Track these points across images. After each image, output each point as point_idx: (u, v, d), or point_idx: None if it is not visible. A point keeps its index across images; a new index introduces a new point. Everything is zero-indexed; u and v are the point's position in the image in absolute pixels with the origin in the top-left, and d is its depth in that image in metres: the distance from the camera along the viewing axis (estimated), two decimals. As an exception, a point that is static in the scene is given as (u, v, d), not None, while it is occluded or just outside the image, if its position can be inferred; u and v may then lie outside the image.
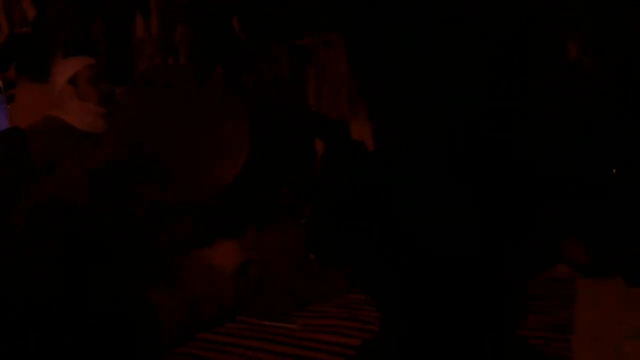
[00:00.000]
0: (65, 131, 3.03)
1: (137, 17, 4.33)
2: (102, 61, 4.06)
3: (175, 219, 2.67)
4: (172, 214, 2.67)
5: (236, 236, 2.76)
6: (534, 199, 1.72)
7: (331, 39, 2.96)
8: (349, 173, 1.79)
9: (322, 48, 3.26)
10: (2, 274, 1.70)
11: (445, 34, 1.65)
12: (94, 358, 1.67)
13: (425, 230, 1.61)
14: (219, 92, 3.19)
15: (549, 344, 2.16)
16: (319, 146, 3.10)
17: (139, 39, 4.33)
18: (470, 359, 1.63)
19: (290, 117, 3.00)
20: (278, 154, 2.83)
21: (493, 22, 1.76)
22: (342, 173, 1.77)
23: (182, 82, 3.24)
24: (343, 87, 3.12)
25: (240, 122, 2.87)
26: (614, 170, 2.13)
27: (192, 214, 2.73)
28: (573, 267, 2.36)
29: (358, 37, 1.72)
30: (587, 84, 2.19)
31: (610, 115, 2.09)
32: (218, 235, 2.72)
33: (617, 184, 2.13)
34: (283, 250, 2.74)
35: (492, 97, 1.67)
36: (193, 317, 2.42)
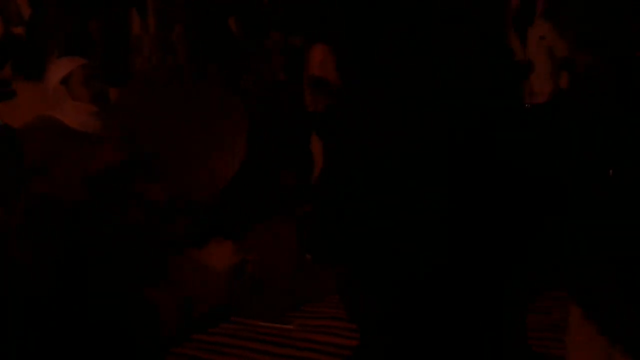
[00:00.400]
0: (61, 130, 3.03)
1: (134, 17, 4.33)
2: (98, 60, 4.05)
3: (173, 219, 2.67)
4: (169, 214, 2.66)
5: (233, 236, 2.75)
6: (534, 200, 1.72)
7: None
8: (348, 173, 1.78)
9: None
10: (0, 274, 1.70)
11: (445, 34, 1.65)
12: (93, 358, 1.66)
13: (422, 232, 1.60)
14: (218, 92, 3.19)
15: (547, 344, 2.17)
16: (318, 145, 3.10)
17: (137, 38, 4.32)
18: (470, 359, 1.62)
19: (289, 116, 3.00)
20: (277, 154, 2.83)
21: (493, 23, 1.76)
22: (340, 172, 1.77)
23: (181, 82, 3.24)
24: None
25: (238, 121, 2.87)
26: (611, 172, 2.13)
27: (190, 213, 2.73)
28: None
29: (358, 36, 1.71)
30: (587, 84, 2.19)
31: (610, 115, 2.09)
32: (214, 235, 2.72)
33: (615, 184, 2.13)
34: (282, 251, 2.73)
35: (492, 97, 1.67)
36: (188, 317, 2.42)
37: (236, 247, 2.69)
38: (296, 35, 3.32)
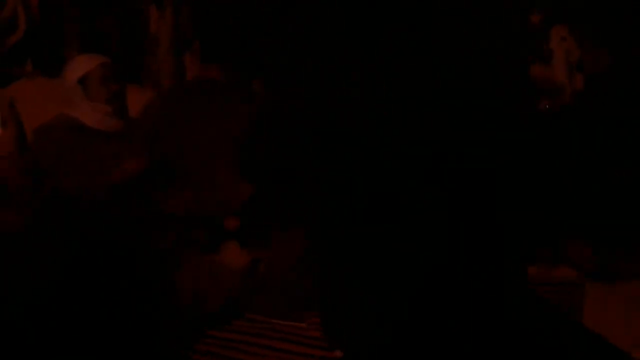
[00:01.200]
0: (77, 129, 3.06)
1: (151, 13, 4.34)
2: (113, 58, 4.07)
3: (189, 230, 2.68)
4: (185, 225, 2.68)
5: (244, 235, 2.77)
6: (533, 199, 1.71)
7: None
8: (347, 174, 1.78)
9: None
10: (5, 273, 1.72)
11: (445, 33, 1.64)
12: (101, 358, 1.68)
13: (423, 232, 1.60)
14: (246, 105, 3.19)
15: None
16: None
17: (153, 36, 4.34)
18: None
19: (298, 119, 2.98)
20: (287, 157, 2.83)
21: (495, 24, 1.75)
22: (338, 173, 1.77)
23: (208, 93, 3.24)
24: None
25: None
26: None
27: (206, 226, 2.75)
28: (580, 271, 2.35)
29: (358, 36, 1.71)
30: (589, 83, 2.17)
31: (610, 115, 2.07)
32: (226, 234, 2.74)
33: (620, 185, 2.11)
34: (292, 249, 2.74)
35: (492, 98, 1.67)
36: (199, 315, 2.44)
37: (247, 246, 2.70)
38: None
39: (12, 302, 1.67)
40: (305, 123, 1.82)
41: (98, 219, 2.26)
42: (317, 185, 1.79)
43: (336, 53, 1.71)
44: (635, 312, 2.22)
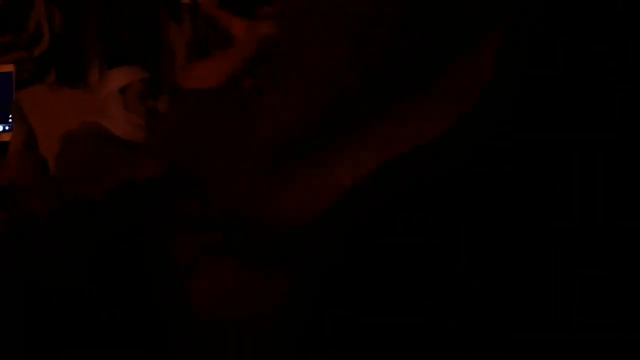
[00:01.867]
0: (104, 138, 3.14)
1: (169, 23, 4.43)
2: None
3: (205, 232, 2.76)
4: (202, 227, 2.76)
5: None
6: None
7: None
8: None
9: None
10: (26, 266, 1.80)
11: None
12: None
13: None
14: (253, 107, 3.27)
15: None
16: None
17: (170, 47, 4.41)
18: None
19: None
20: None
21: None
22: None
23: (222, 97, 3.33)
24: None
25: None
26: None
27: (222, 228, 2.82)
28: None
29: None
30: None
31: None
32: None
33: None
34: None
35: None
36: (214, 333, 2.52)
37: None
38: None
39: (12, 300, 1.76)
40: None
41: (112, 222, 2.35)
42: None
43: None
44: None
